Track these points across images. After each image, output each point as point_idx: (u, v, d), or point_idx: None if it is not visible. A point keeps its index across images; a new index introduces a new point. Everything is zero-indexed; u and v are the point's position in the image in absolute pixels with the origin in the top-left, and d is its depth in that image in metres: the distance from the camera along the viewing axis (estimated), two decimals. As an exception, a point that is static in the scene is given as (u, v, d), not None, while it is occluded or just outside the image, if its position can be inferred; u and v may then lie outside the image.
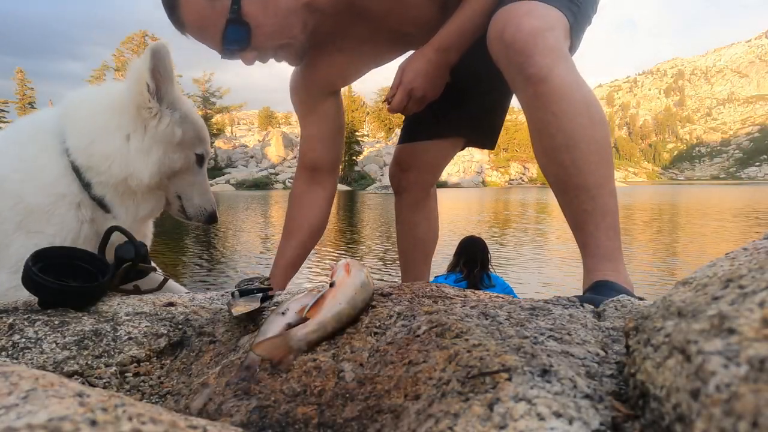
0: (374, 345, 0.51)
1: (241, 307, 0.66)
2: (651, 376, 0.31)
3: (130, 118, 1.03)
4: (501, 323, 0.52)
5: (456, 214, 13.89)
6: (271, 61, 1.14)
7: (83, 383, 0.54)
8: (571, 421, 0.30)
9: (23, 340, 0.62)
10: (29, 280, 0.71)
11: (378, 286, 0.71)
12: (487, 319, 0.54)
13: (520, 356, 0.40)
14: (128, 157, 1.02)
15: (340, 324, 0.56)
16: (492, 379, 0.36)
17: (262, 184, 41.81)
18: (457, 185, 50.29)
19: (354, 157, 47.80)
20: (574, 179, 0.89)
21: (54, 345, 0.61)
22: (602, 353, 0.45)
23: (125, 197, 1.06)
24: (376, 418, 0.40)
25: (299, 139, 1.37)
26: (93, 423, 0.26)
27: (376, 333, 0.54)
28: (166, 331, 0.68)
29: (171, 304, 0.78)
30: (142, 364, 0.62)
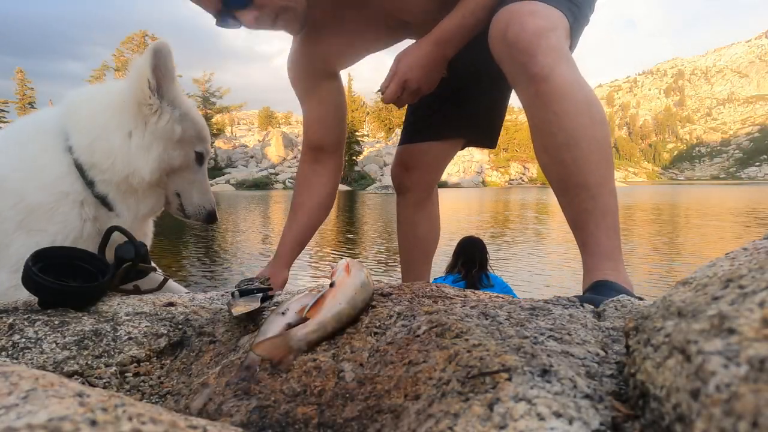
0: (374, 345, 0.51)
1: (241, 307, 0.66)
2: (651, 376, 0.31)
3: (131, 115, 1.03)
4: (501, 323, 0.52)
5: (456, 214, 13.89)
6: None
7: (83, 383, 0.54)
8: (571, 421, 0.30)
9: (23, 340, 0.62)
10: (29, 280, 0.71)
11: (378, 286, 0.71)
12: (487, 319, 0.54)
13: (520, 356, 0.40)
14: (130, 154, 1.03)
15: (340, 324, 0.56)
16: (492, 379, 0.36)
17: (262, 184, 41.81)
18: (457, 185, 50.28)
19: (354, 157, 47.78)
20: (574, 178, 0.89)
21: (54, 345, 0.61)
22: (602, 353, 0.45)
23: (127, 195, 1.07)
24: (376, 418, 0.40)
25: (302, 125, 1.36)
26: (93, 423, 0.26)
27: (376, 333, 0.54)
28: (166, 331, 0.68)
29: (171, 304, 0.78)
30: (142, 364, 0.62)
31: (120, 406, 0.28)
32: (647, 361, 0.33)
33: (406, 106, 1.47)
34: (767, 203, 18.33)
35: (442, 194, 1.59)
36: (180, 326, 0.71)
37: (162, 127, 1.05)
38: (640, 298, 0.66)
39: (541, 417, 0.31)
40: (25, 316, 0.68)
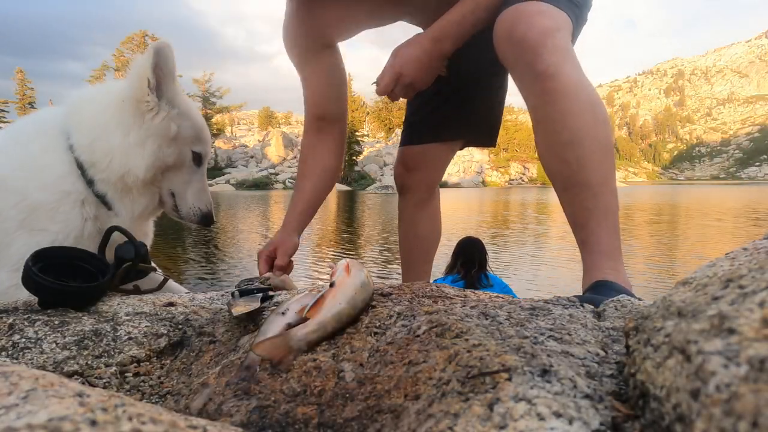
0: (374, 345, 0.51)
1: (241, 307, 0.66)
2: (651, 376, 0.31)
3: (129, 113, 1.04)
4: (501, 323, 0.52)
5: (456, 214, 13.88)
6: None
7: (83, 383, 0.54)
8: (571, 421, 0.30)
9: (23, 340, 0.62)
10: (29, 280, 0.71)
11: (378, 286, 0.71)
12: (487, 319, 0.54)
13: (520, 356, 0.40)
14: (127, 151, 1.03)
15: (340, 324, 0.56)
16: (492, 379, 0.36)
17: (262, 184, 41.81)
18: (457, 185, 50.29)
19: (354, 157, 47.77)
20: (577, 176, 0.89)
21: (54, 345, 0.61)
22: (602, 353, 0.45)
23: (123, 194, 1.07)
24: (376, 418, 0.40)
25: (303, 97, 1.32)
26: (93, 423, 0.26)
27: (376, 333, 0.54)
28: (166, 331, 0.68)
29: (171, 304, 0.78)
30: (142, 364, 0.62)
31: (120, 406, 0.28)
32: (647, 361, 0.33)
33: (406, 107, 1.47)
34: (767, 203, 18.32)
35: (442, 194, 1.60)
36: (180, 326, 0.71)
37: (157, 124, 1.05)
38: (639, 299, 0.66)
39: (541, 417, 0.31)
40: (25, 316, 0.68)
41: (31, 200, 0.99)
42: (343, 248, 7.74)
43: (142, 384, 0.59)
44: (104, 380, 0.58)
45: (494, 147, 1.51)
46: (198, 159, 1.17)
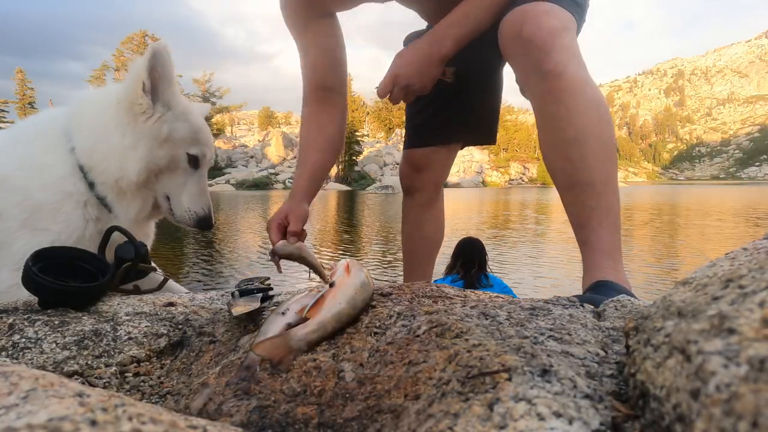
0: (374, 345, 0.51)
1: (241, 307, 0.66)
2: (651, 376, 0.31)
3: (124, 116, 1.04)
4: (501, 323, 0.52)
5: (456, 214, 13.88)
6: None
7: (83, 383, 0.54)
8: (571, 421, 0.30)
9: (23, 340, 0.62)
10: (29, 280, 0.71)
11: (378, 286, 0.71)
12: (487, 319, 0.54)
13: (520, 356, 0.40)
14: (122, 155, 1.04)
15: (340, 324, 0.56)
16: (492, 379, 0.36)
17: (262, 184, 41.82)
18: (457, 185, 50.31)
19: (354, 157, 47.79)
20: (580, 174, 0.90)
21: (54, 345, 0.61)
22: (602, 353, 0.45)
23: (120, 197, 1.08)
24: (376, 418, 0.40)
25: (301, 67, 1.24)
26: (93, 423, 0.26)
27: (376, 333, 0.54)
28: (166, 331, 0.68)
29: (171, 304, 0.78)
30: (142, 364, 0.62)
31: (120, 406, 0.28)
32: (647, 361, 0.33)
33: (406, 108, 1.47)
34: (767, 203, 18.32)
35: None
36: (180, 326, 0.71)
37: (149, 126, 1.05)
38: (638, 299, 0.66)
39: (541, 417, 0.31)
40: (25, 316, 0.68)
41: (34, 200, 1.00)
42: (342, 248, 7.74)
43: (142, 384, 0.59)
44: (104, 380, 0.58)
45: (495, 144, 1.52)
46: (194, 161, 1.15)
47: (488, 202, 21.50)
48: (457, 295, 0.68)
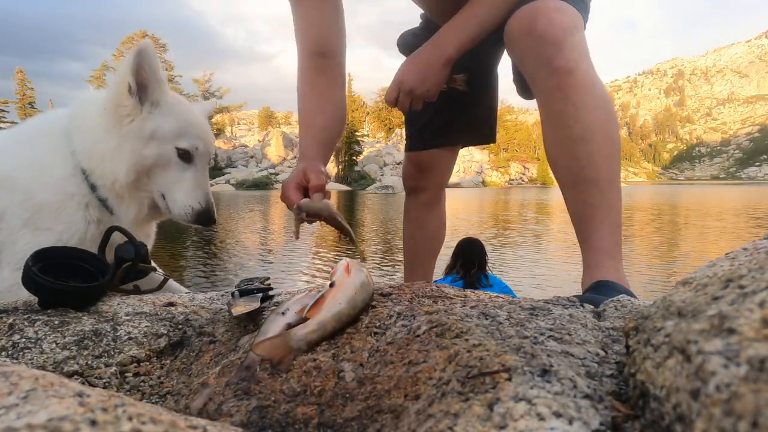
0: (374, 345, 0.51)
1: (241, 307, 0.66)
2: (651, 376, 0.31)
3: (112, 118, 1.04)
4: (501, 323, 0.52)
5: (456, 214, 13.88)
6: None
7: (83, 383, 0.54)
8: (571, 421, 0.30)
9: (23, 340, 0.62)
10: (29, 280, 0.71)
11: (378, 286, 0.71)
12: (487, 319, 0.54)
13: (520, 356, 0.40)
14: (112, 157, 1.04)
15: (340, 324, 0.56)
16: (492, 379, 0.36)
17: (262, 184, 41.82)
18: (457, 185, 50.31)
19: (354, 157, 47.78)
20: (586, 172, 0.90)
21: (54, 345, 0.61)
22: (602, 353, 0.45)
23: (119, 199, 1.08)
24: (376, 418, 0.40)
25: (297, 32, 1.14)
26: (93, 423, 0.26)
27: (376, 333, 0.54)
28: (166, 331, 0.68)
29: (171, 304, 0.78)
30: (142, 364, 0.62)
31: (120, 406, 0.28)
32: (647, 361, 0.33)
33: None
34: (767, 203, 18.32)
35: (442, 194, 1.60)
36: (180, 326, 0.71)
37: (133, 126, 1.04)
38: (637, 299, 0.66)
39: (541, 417, 0.31)
40: (25, 316, 0.68)
41: (36, 200, 1.01)
42: (342, 248, 7.74)
43: (142, 384, 0.59)
44: (104, 380, 0.58)
45: (494, 143, 1.53)
46: (186, 155, 1.11)
47: (488, 202, 21.48)
48: (457, 295, 0.68)
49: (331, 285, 0.60)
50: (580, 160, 0.90)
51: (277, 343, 0.51)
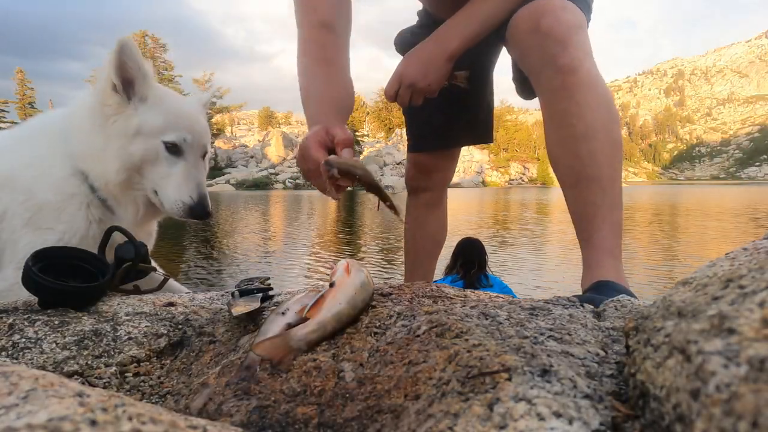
0: (374, 345, 0.51)
1: (241, 307, 0.66)
2: (651, 376, 0.31)
3: (98, 118, 1.05)
4: (501, 323, 0.52)
5: (456, 214, 13.87)
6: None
7: (83, 383, 0.54)
8: (571, 421, 0.30)
9: (23, 340, 0.62)
10: (29, 279, 0.71)
11: (378, 286, 0.71)
12: (487, 319, 0.54)
13: (520, 356, 0.40)
14: (102, 159, 1.04)
15: (340, 324, 0.56)
16: (492, 379, 0.36)
17: (262, 184, 41.84)
18: (457, 185, 50.31)
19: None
20: (588, 170, 0.90)
21: (54, 345, 0.61)
22: (602, 353, 0.45)
23: (117, 200, 1.09)
24: (376, 418, 0.40)
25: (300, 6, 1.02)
26: (93, 423, 0.26)
27: (376, 333, 0.54)
28: (166, 331, 0.68)
29: (171, 304, 0.78)
30: (142, 364, 0.62)
31: (120, 406, 0.28)
32: (647, 361, 0.33)
33: (404, 111, 1.47)
34: (767, 203, 18.31)
35: (442, 194, 1.60)
36: (180, 326, 0.71)
37: (117, 124, 1.04)
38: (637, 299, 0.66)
39: (541, 417, 0.31)
40: (25, 316, 0.68)
41: (38, 199, 1.01)
42: (342, 248, 7.74)
43: (142, 384, 0.59)
44: (104, 380, 0.58)
45: (492, 143, 1.54)
46: (174, 149, 1.08)
47: (488, 202, 21.47)
48: (457, 295, 0.68)
49: (331, 285, 0.60)
50: (583, 158, 0.90)
51: (277, 343, 0.51)
